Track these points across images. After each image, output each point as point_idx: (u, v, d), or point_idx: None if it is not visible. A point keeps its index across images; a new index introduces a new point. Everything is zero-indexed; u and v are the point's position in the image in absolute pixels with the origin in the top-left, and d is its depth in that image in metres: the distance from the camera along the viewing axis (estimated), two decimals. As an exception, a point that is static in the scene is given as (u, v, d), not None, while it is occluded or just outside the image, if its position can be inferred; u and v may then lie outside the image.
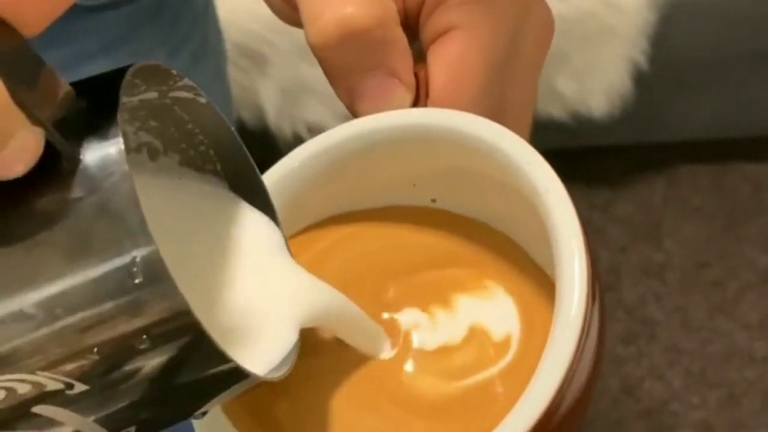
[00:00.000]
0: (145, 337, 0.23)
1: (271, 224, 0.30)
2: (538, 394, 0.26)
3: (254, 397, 0.30)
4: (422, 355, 0.30)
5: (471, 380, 0.30)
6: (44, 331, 0.23)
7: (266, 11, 0.35)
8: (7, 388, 0.23)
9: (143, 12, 0.61)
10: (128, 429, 0.25)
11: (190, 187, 0.29)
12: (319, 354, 0.31)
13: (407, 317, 0.31)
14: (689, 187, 1.37)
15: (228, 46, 0.76)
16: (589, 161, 1.35)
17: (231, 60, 1.09)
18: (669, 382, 1.21)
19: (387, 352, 0.31)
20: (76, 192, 0.23)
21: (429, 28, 0.32)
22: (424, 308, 0.31)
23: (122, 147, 0.23)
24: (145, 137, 0.28)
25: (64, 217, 0.23)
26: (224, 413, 0.30)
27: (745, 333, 1.24)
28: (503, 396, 0.29)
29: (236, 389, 0.26)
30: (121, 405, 0.24)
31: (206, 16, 0.70)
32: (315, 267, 0.31)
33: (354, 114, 0.32)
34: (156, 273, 0.22)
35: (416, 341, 0.31)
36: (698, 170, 1.38)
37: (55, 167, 0.23)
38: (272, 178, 0.31)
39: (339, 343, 0.31)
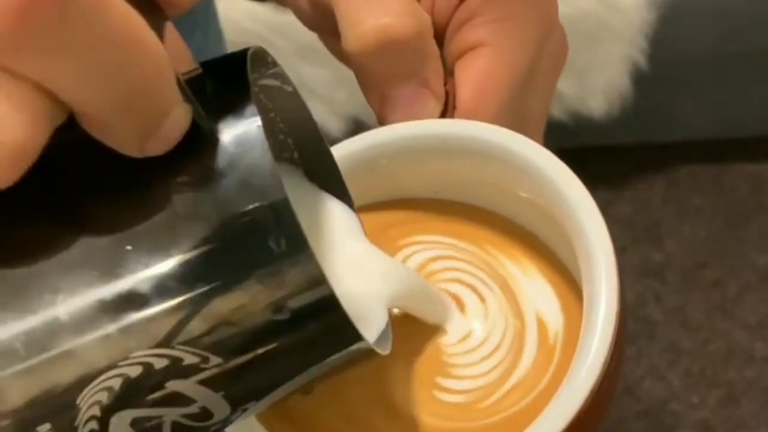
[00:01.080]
0: (282, 308, 0.23)
1: (349, 210, 0.30)
2: (561, 413, 0.27)
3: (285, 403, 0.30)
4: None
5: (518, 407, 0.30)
6: (186, 304, 0.23)
7: (266, 11, 0.35)
8: (144, 363, 0.23)
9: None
10: (248, 404, 0.25)
11: None
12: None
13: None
14: (689, 187, 1.37)
15: (228, 46, 0.76)
16: (589, 161, 1.35)
17: (231, 60, 1.09)
18: (669, 382, 1.21)
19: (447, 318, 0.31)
20: (217, 167, 0.23)
21: (456, 42, 0.33)
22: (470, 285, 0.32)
23: (260, 124, 0.23)
24: None
25: (205, 192, 0.23)
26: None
27: (744, 333, 1.24)
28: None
29: (348, 362, 0.26)
30: (248, 378, 0.24)
31: (207, 16, 0.70)
32: None
33: (382, 121, 0.33)
34: (297, 243, 0.23)
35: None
36: (698, 170, 1.38)
37: (194, 143, 0.23)
38: None
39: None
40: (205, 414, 0.25)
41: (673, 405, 1.19)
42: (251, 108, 0.24)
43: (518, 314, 0.31)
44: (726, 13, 1.20)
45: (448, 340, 0.31)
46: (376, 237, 0.33)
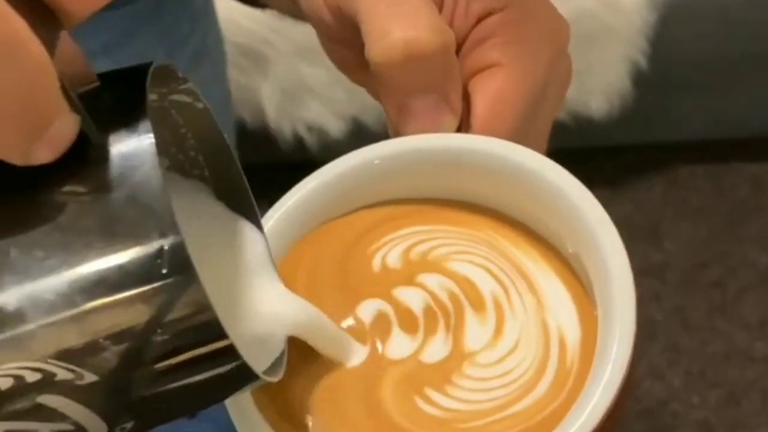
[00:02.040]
0: (162, 329, 0.23)
1: (256, 233, 0.30)
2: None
3: (289, 405, 0.30)
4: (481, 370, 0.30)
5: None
6: (61, 318, 0.23)
7: (267, 12, 0.35)
8: (15, 376, 0.23)
9: (143, 12, 0.61)
10: (126, 424, 0.25)
11: (177, 194, 0.29)
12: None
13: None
14: (689, 187, 1.37)
15: (228, 46, 0.76)
16: (588, 161, 1.35)
17: (231, 60, 1.09)
18: (669, 382, 1.21)
19: (356, 359, 0.31)
20: (104, 181, 0.23)
21: (471, 61, 0.34)
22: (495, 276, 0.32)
23: (153, 140, 0.23)
24: None
25: (90, 205, 0.23)
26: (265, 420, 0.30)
27: (744, 333, 1.24)
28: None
29: (235, 390, 0.26)
30: (126, 398, 0.24)
31: (206, 17, 0.70)
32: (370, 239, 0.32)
33: (396, 131, 0.34)
34: (181, 265, 0.22)
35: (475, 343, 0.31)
36: (698, 170, 1.39)
37: (83, 155, 0.23)
38: (328, 173, 0.33)
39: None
40: (78, 429, 0.24)
41: (673, 405, 1.19)
42: (145, 123, 0.23)
43: (544, 330, 0.30)
44: (726, 13, 1.20)
45: (472, 348, 0.30)
46: (378, 227, 0.33)
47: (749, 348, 1.23)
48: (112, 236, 0.23)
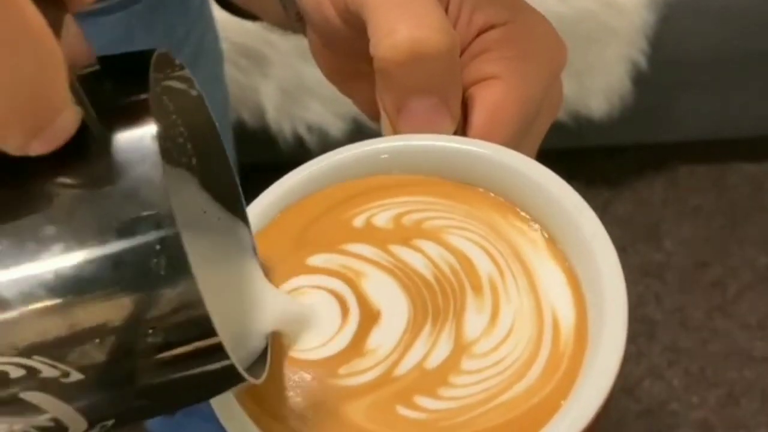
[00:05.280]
0: (154, 326, 0.22)
1: (240, 227, 0.30)
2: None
3: (269, 396, 0.30)
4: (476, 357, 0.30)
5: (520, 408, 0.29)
6: (50, 313, 0.22)
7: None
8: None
9: (138, 17, 0.61)
10: (106, 422, 0.24)
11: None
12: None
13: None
14: (689, 187, 1.38)
15: (228, 46, 0.76)
16: (589, 161, 1.36)
17: (231, 60, 1.09)
18: (668, 382, 1.21)
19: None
20: (105, 174, 0.22)
21: (470, 71, 0.34)
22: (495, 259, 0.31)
23: (155, 134, 0.22)
24: None
25: (87, 198, 0.22)
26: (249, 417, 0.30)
27: (744, 333, 1.24)
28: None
29: (221, 389, 0.25)
30: (110, 396, 0.23)
31: (202, 20, 0.70)
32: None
33: (395, 128, 0.33)
34: (178, 265, 0.22)
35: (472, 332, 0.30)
36: (698, 170, 1.39)
37: (84, 145, 0.22)
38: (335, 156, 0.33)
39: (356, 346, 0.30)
40: (59, 427, 0.24)
41: (673, 405, 1.20)
42: (146, 116, 0.22)
43: (538, 314, 0.30)
44: (726, 14, 1.21)
45: (471, 334, 0.30)
46: (367, 193, 0.33)
47: (749, 348, 1.23)
48: (108, 231, 0.22)
